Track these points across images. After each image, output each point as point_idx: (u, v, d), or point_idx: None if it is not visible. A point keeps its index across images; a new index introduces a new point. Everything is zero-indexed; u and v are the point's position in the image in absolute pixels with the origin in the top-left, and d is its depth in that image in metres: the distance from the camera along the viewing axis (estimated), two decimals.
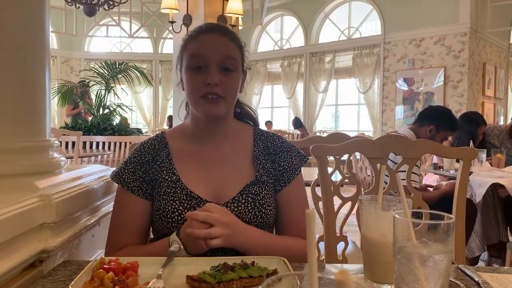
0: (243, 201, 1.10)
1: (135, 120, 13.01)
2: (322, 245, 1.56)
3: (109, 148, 5.15)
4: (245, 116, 1.29)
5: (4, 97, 1.09)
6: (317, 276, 0.35)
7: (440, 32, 8.78)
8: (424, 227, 0.69)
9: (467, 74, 8.53)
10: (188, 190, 1.11)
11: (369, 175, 2.93)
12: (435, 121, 2.84)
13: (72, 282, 0.75)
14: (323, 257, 1.58)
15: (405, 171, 1.47)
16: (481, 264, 3.26)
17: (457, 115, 3.87)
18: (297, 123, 10.23)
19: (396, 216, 0.68)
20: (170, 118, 9.73)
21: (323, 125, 11.50)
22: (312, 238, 0.33)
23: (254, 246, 1.03)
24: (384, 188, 1.42)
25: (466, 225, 2.85)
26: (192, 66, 1.10)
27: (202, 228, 0.97)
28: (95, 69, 7.31)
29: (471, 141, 3.47)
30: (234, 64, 1.11)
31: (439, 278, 0.65)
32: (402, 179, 1.40)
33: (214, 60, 1.09)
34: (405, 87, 9.37)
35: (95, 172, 1.33)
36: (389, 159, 2.32)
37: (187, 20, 4.95)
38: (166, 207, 1.10)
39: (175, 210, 1.09)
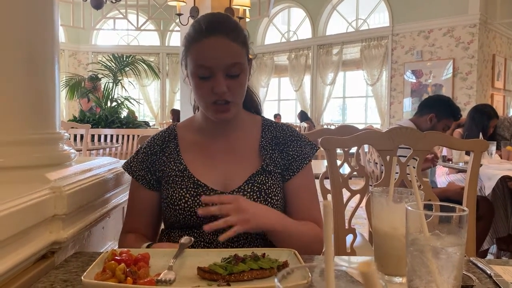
0: (249, 190, 1.12)
1: (143, 113, 13.05)
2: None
3: (117, 140, 5.18)
4: (248, 102, 1.27)
5: (14, 90, 1.09)
6: (333, 268, 0.35)
7: (449, 23, 8.68)
8: (437, 219, 0.68)
9: (476, 66, 8.44)
10: (195, 179, 1.13)
11: (377, 169, 2.91)
12: (435, 109, 2.78)
13: (84, 274, 0.76)
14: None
15: (415, 167, 1.46)
16: (489, 257, 3.25)
17: (466, 108, 3.83)
18: (303, 116, 10.21)
19: (409, 208, 0.67)
20: (173, 112, 9.65)
21: (330, 117, 11.46)
22: (329, 229, 0.32)
23: (274, 225, 1.04)
24: (395, 179, 1.41)
25: (483, 225, 2.83)
26: (198, 75, 1.10)
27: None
28: (103, 62, 7.33)
29: (481, 133, 3.44)
30: (240, 67, 1.10)
31: (452, 270, 0.65)
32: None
33: (219, 69, 1.07)
34: (413, 79, 9.30)
35: (105, 164, 1.34)
36: None
37: (194, 12, 4.93)
38: (174, 195, 1.12)
39: (182, 197, 1.11)
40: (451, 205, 0.68)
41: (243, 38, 1.13)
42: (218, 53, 1.08)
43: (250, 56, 1.18)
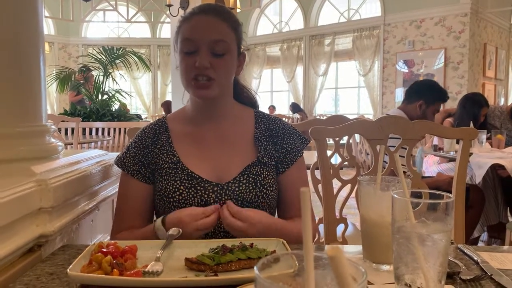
0: (244, 181, 1.11)
1: (135, 106, 12.98)
2: (322, 227, 1.57)
3: (108, 134, 5.14)
4: (246, 99, 1.28)
5: None
6: (313, 255, 0.34)
7: (441, 13, 8.69)
8: (424, 207, 0.68)
9: (468, 55, 8.47)
10: (189, 171, 1.11)
11: (368, 159, 2.92)
12: (423, 96, 2.76)
13: (70, 266, 0.75)
14: (323, 239, 1.58)
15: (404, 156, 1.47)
16: (480, 245, 3.28)
17: (458, 97, 3.84)
18: (295, 107, 10.20)
19: (395, 196, 0.67)
20: (165, 103, 9.53)
21: (323, 108, 11.47)
22: (307, 216, 0.32)
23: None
24: (384, 168, 1.42)
25: (474, 213, 2.85)
26: (184, 50, 1.11)
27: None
28: (93, 54, 7.26)
29: (471, 122, 3.45)
30: (225, 47, 1.10)
31: (438, 257, 0.65)
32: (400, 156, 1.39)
33: (204, 44, 1.08)
34: (405, 69, 9.31)
35: (93, 157, 1.32)
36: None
37: (184, 3, 4.89)
38: (168, 187, 1.10)
39: (176, 190, 1.10)
40: (438, 192, 0.68)
41: (234, 23, 1.14)
42: (205, 28, 1.10)
43: (242, 47, 1.17)
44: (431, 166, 3.55)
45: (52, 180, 0.98)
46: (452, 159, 3.26)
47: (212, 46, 1.08)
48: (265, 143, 1.18)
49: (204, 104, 1.16)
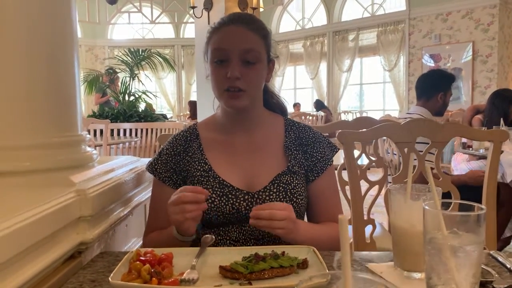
0: (275, 190, 1.12)
1: (160, 106, 13.15)
2: (350, 228, 1.57)
3: (136, 134, 5.23)
4: (276, 106, 1.29)
5: (36, 93, 1.12)
6: (351, 276, 0.36)
7: (468, 5, 8.48)
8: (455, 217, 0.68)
9: (497, 48, 8.24)
10: (221, 179, 1.13)
11: (396, 159, 2.89)
12: (441, 87, 2.82)
13: (111, 274, 0.79)
14: (351, 240, 1.59)
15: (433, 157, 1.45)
16: None
17: (487, 91, 3.75)
18: (318, 105, 10.13)
19: (426, 207, 0.68)
20: (191, 103, 9.63)
21: (347, 105, 11.36)
22: (346, 243, 0.34)
23: (304, 241, 1.01)
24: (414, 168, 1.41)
25: (505, 212, 2.79)
26: (214, 60, 1.13)
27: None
28: (119, 57, 7.40)
29: (501, 119, 3.37)
30: (256, 56, 1.12)
31: (471, 268, 0.65)
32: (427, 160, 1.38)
33: (234, 54, 1.10)
34: (432, 64, 9.13)
35: (126, 164, 1.37)
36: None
37: (208, 4, 4.93)
38: None
39: (208, 198, 1.11)
40: (469, 203, 0.69)
41: (263, 32, 1.16)
42: (236, 38, 1.12)
43: (272, 55, 1.19)
44: (460, 164, 3.49)
45: (90, 189, 1.02)
46: (482, 157, 3.19)
47: (242, 56, 1.10)
48: (295, 151, 1.19)
49: (234, 112, 1.18)
